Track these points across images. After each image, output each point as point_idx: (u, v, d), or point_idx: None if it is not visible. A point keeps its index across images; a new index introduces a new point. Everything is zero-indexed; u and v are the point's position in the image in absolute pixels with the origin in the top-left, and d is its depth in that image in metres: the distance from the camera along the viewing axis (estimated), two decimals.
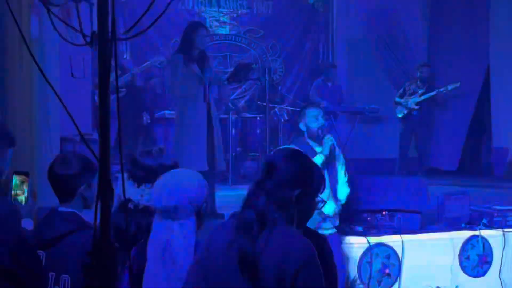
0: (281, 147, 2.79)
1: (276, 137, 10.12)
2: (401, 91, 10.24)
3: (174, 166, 3.03)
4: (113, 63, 1.69)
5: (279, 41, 11.14)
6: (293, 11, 11.20)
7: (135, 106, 9.90)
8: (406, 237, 5.47)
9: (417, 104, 9.98)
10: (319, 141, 5.07)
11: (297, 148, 2.78)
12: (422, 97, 10.00)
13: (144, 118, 9.92)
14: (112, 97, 1.54)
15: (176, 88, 6.52)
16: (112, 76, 1.72)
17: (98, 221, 1.70)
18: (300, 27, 11.27)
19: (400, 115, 10.14)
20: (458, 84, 10.05)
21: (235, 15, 10.87)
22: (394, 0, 11.15)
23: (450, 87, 10.23)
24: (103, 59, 1.68)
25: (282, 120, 9.92)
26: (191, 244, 2.60)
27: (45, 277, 2.69)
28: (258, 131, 9.73)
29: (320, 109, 5.26)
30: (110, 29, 1.74)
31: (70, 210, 2.84)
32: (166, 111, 9.46)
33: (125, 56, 10.13)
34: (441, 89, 10.06)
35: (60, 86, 6.82)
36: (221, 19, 10.47)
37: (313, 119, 5.07)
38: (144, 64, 9.05)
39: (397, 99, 10.14)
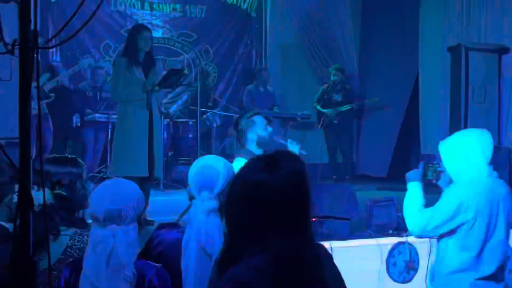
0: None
1: (209, 142, 10.11)
2: (318, 95, 10.37)
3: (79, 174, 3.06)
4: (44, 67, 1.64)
5: (212, 46, 11.11)
6: (226, 15, 11.19)
7: (64, 109, 9.73)
8: (335, 243, 5.52)
9: (337, 115, 10.13)
10: (270, 149, 4.89)
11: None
12: (338, 109, 10.13)
13: (74, 121, 9.76)
14: (42, 102, 1.50)
15: (118, 93, 6.43)
16: (41, 81, 1.68)
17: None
18: (233, 32, 11.27)
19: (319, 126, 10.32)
20: (376, 99, 10.30)
21: (168, 18, 10.79)
22: (326, 8, 11.27)
23: (368, 101, 10.47)
24: (24, 67, 1.63)
25: (215, 125, 9.91)
26: (136, 248, 2.67)
27: None
28: (190, 135, 9.70)
29: (263, 118, 5.22)
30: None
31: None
32: (97, 115, 9.33)
33: (55, 58, 9.93)
34: (355, 104, 10.25)
35: None
36: (154, 22, 10.37)
37: (262, 127, 5.03)
38: (73, 68, 8.90)
39: (318, 107, 10.26)
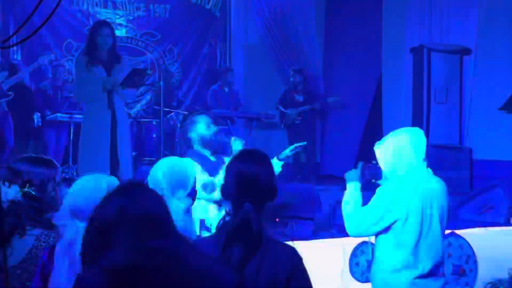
0: (241, 154, 2.72)
1: (172, 142, 10.05)
2: (280, 95, 10.39)
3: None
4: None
5: (176, 45, 11.06)
6: (190, 15, 11.14)
7: (25, 108, 9.59)
8: (299, 243, 5.52)
9: (298, 114, 10.15)
10: (214, 148, 4.83)
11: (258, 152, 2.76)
12: (300, 109, 10.14)
13: (35, 121, 9.63)
14: (1, 100, 1.46)
15: (79, 92, 6.31)
16: (0, 78, 1.65)
17: None
18: (197, 32, 11.24)
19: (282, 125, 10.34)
20: (338, 98, 10.34)
21: (131, 17, 10.70)
22: (291, 8, 11.30)
23: (329, 100, 10.51)
24: None
25: (179, 125, 9.86)
26: None
27: None
28: (154, 135, 9.63)
29: (208, 115, 5.05)
30: None
31: None
32: (58, 114, 9.21)
33: (15, 56, 9.79)
34: (317, 104, 10.27)
35: None
36: (117, 21, 10.29)
37: (204, 126, 4.83)
38: (33, 64, 8.77)
39: (280, 108, 10.27)
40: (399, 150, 3.69)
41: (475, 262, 5.71)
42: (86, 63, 6.16)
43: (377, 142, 3.86)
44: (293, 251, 2.54)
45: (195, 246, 2.02)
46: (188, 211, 2.95)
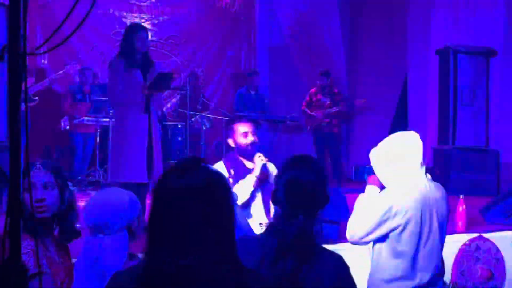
0: (293, 159, 2.69)
1: (198, 145, 10.10)
2: (306, 98, 10.37)
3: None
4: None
5: (201, 49, 11.11)
6: (215, 18, 11.19)
7: (53, 113, 9.69)
8: (325, 247, 5.51)
9: (324, 117, 10.13)
10: (250, 158, 4.72)
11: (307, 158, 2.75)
12: (326, 112, 10.13)
13: (63, 125, 9.72)
14: (28, 104, 1.48)
15: (116, 96, 6.25)
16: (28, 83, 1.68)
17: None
18: (222, 35, 11.29)
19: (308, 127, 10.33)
20: (364, 100, 10.31)
21: (156, 21, 10.78)
22: (315, 10, 11.31)
23: (356, 102, 10.48)
24: (13, 74, 1.62)
25: (204, 128, 9.90)
26: (123, 257, 2.66)
27: None
28: (179, 138, 9.68)
29: (251, 124, 4.88)
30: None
31: None
32: (85, 118, 9.29)
33: (43, 61, 9.90)
34: (343, 106, 10.24)
35: None
36: (142, 25, 10.35)
37: (241, 134, 4.72)
38: (59, 73, 8.84)
39: (306, 110, 10.25)
40: (392, 156, 3.52)
41: (504, 265, 5.63)
42: (124, 66, 6.09)
43: (373, 148, 3.67)
44: (340, 259, 2.53)
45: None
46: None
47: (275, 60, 11.52)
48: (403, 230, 3.42)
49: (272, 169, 4.74)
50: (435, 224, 3.48)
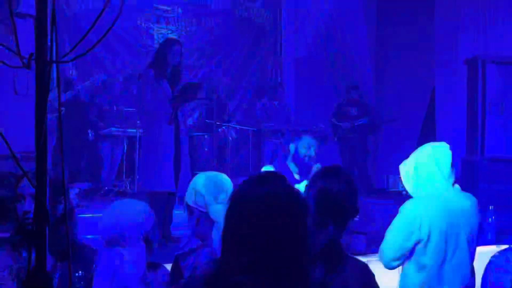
0: (320, 171, 2.73)
1: (224, 155, 10.10)
2: (334, 108, 10.37)
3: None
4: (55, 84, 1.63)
5: (227, 59, 11.13)
6: (241, 29, 11.22)
7: (80, 122, 9.76)
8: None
9: (352, 128, 10.12)
10: (302, 168, 5.04)
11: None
12: (354, 123, 10.13)
13: (90, 135, 9.79)
14: (52, 115, 1.49)
15: (144, 106, 6.37)
16: (52, 94, 1.68)
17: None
18: (248, 46, 11.30)
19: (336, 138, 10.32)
20: (392, 118, 10.31)
21: (183, 32, 10.83)
22: (341, 21, 11.29)
23: (384, 115, 10.47)
24: (40, 82, 1.62)
25: (230, 138, 9.91)
26: (142, 269, 2.65)
27: None
28: (205, 149, 9.70)
29: (317, 141, 5.25)
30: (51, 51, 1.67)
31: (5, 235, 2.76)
32: (113, 128, 9.35)
33: (70, 72, 9.98)
34: (371, 118, 10.25)
35: (2, 103, 6.68)
36: (170, 36, 10.41)
37: (306, 145, 5.05)
38: (85, 83, 8.92)
39: (333, 121, 10.25)
40: (421, 167, 3.50)
41: None
42: (154, 76, 6.21)
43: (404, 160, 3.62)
44: (366, 267, 2.54)
45: None
46: None
47: (301, 71, 11.51)
48: (427, 242, 3.36)
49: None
50: (463, 236, 3.42)
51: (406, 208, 3.48)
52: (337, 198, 2.59)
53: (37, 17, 1.62)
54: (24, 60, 1.67)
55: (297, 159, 5.02)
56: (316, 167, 4.83)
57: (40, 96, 1.64)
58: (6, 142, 1.67)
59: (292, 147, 5.10)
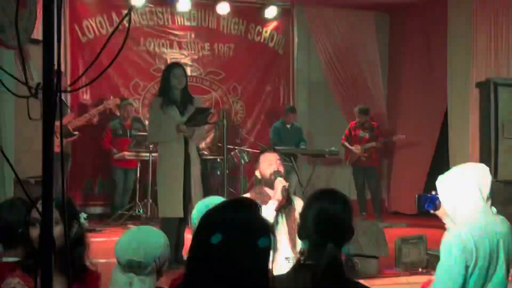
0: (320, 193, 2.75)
1: (236, 179, 10.12)
2: (346, 131, 10.38)
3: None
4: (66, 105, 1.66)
5: (240, 83, 11.19)
6: (254, 53, 11.27)
7: (94, 147, 9.83)
8: (364, 282, 5.45)
9: (364, 151, 10.14)
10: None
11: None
12: (365, 146, 10.14)
13: (103, 159, 9.85)
14: (68, 139, 1.51)
15: (153, 133, 6.42)
16: (66, 119, 1.71)
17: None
18: (261, 70, 11.35)
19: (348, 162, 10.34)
20: (403, 136, 10.30)
21: (196, 57, 10.90)
22: (354, 44, 11.33)
23: (394, 138, 10.48)
24: (47, 110, 1.65)
25: (242, 162, 9.93)
26: None
27: None
28: (218, 172, 9.73)
29: (277, 153, 4.81)
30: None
31: (15, 259, 2.77)
32: (126, 153, 9.40)
33: (84, 97, 10.07)
34: (382, 141, 10.28)
35: (16, 128, 6.72)
36: (182, 60, 10.48)
37: (266, 164, 4.66)
38: (98, 108, 8.98)
39: (345, 144, 10.27)
40: (464, 187, 3.45)
41: None
42: (161, 103, 6.25)
43: (440, 176, 3.67)
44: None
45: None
46: None
47: (314, 94, 11.54)
48: (474, 267, 3.34)
49: (299, 203, 4.58)
50: (502, 259, 3.41)
51: (452, 239, 3.40)
52: (336, 218, 2.61)
53: (44, 47, 1.65)
54: (32, 90, 1.70)
55: (266, 180, 4.63)
56: (278, 181, 4.51)
57: (47, 124, 1.67)
58: (12, 167, 1.70)
59: (257, 173, 4.74)
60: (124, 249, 2.67)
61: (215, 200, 3.24)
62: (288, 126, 10.34)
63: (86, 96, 10.09)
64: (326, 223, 2.59)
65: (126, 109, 9.76)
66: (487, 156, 8.77)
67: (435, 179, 4.00)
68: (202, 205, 3.22)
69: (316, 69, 11.43)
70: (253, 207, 1.88)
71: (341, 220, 2.61)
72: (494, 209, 3.54)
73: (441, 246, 3.43)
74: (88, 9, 10.05)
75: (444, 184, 3.56)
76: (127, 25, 1.77)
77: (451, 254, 3.37)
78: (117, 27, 1.93)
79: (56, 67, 1.67)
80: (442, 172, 3.76)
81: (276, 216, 4.46)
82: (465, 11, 9.95)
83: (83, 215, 2.93)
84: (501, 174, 8.56)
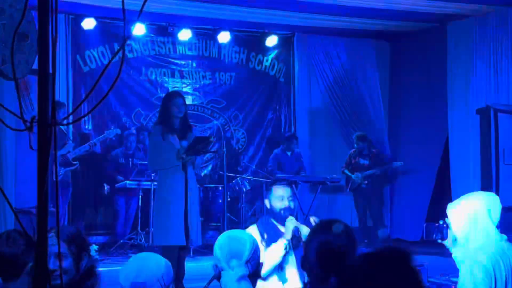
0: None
1: (238, 207, 10.11)
2: (346, 159, 10.38)
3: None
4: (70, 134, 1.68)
5: (241, 111, 11.22)
6: (255, 81, 11.33)
7: (95, 176, 9.84)
8: None
9: (364, 178, 10.14)
10: (283, 222, 4.55)
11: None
12: (366, 173, 10.14)
13: (106, 188, 9.86)
14: (67, 169, 1.52)
15: (154, 162, 6.44)
16: (65, 149, 1.73)
17: None
18: (262, 98, 11.39)
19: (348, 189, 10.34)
20: (401, 163, 10.32)
21: (197, 85, 10.96)
22: (355, 72, 11.38)
23: (394, 165, 10.49)
24: (42, 144, 1.67)
25: (244, 190, 9.93)
26: None
27: None
28: (220, 200, 9.73)
29: (289, 188, 4.74)
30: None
31: None
32: (127, 182, 9.41)
33: (87, 126, 10.11)
34: (382, 169, 10.28)
35: (17, 158, 6.76)
36: (184, 89, 10.54)
37: (277, 198, 4.60)
38: (98, 137, 9.01)
39: (346, 171, 10.27)
40: (475, 215, 3.49)
41: None
42: (161, 132, 6.27)
43: (450, 203, 3.69)
44: None
45: None
46: (243, 280, 2.94)
47: (315, 122, 11.56)
48: None
49: (306, 232, 4.43)
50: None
51: (470, 271, 3.41)
52: (339, 250, 2.57)
53: (39, 82, 1.68)
54: (27, 124, 1.72)
55: (276, 214, 4.57)
56: (289, 220, 4.48)
57: (41, 156, 1.69)
58: (6, 198, 1.71)
59: (266, 202, 4.72)
60: (127, 275, 2.72)
61: (238, 233, 3.26)
62: (289, 153, 10.35)
63: (88, 125, 10.13)
64: (328, 256, 2.56)
65: (129, 139, 9.79)
66: (488, 182, 8.79)
67: (438, 207, 4.00)
68: (225, 236, 3.23)
69: (317, 96, 11.47)
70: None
71: (345, 251, 2.57)
72: (504, 236, 3.58)
73: (463, 272, 3.45)
74: (90, 40, 10.12)
75: (456, 211, 3.58)
76: (127, 54, 1.80)
77: (476, 278, 3.39)
78: (114, 56, 1.97)
79: (51, 99, 1.69)
80: (444, 199, 3.79)
81: (287, 254, 4.43)
82: (465, 39, 10.02)
83: (94, 247, 2.95)
84: (502, 200, 8.55)
